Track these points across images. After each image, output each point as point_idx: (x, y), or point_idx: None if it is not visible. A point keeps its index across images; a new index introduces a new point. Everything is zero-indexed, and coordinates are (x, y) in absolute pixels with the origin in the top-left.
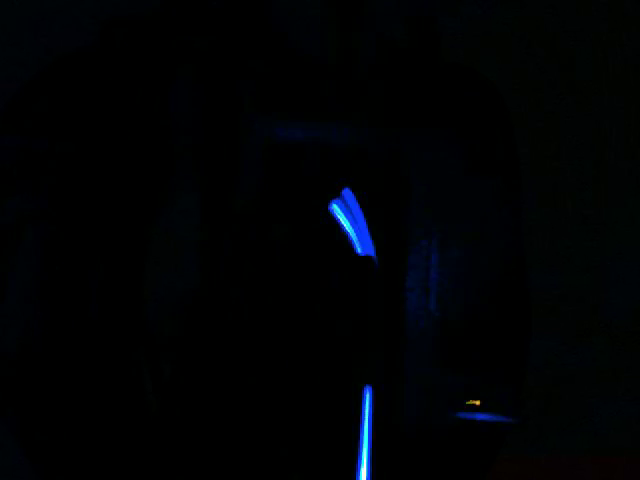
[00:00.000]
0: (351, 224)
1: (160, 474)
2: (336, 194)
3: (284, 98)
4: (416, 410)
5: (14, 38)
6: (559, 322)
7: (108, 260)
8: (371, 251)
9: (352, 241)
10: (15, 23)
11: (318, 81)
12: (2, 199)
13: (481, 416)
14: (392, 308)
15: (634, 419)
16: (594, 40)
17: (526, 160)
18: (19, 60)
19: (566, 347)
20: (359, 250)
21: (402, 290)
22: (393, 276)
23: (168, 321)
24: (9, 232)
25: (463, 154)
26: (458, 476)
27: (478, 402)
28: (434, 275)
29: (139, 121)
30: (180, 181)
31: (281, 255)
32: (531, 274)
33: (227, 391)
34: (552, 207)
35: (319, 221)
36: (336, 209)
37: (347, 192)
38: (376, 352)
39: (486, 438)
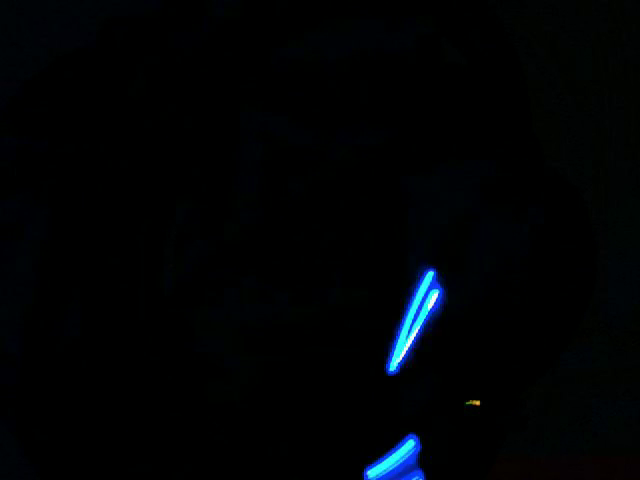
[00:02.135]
0: None
1: (160, 474)
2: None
3: (287, 98)
4: (415, 409)
5: (14, 38)
6: None
7: (107, 262)
8: None
9: None
10: (15, 23)
11: (326, 83)
12: (2, 199)
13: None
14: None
15: (634, 419)
16: (594, 40)
17: None
18: (19, 60)
19: None
20: None
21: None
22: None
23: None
24: (9, 232)
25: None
26: (458, 476)
27: (478, 402)
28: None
29: (139, 121)
30: (181, 182)
31: (282, 257)
32: None
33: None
34: None
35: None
36: None
37: None
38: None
39: (486, 438)
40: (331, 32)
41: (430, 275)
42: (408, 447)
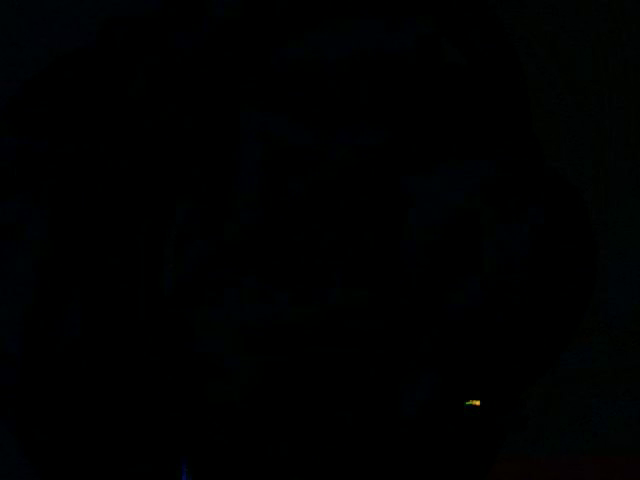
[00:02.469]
0: None
1: (160, 474)
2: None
3: (287, 98)
4: (415, 409)
5: (14, 38)
6: None
7: (107, 262)
8: None
9: None
10: (15, 23)
11: (326, 84)
12: (2, 199)
13: None
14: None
15: (634, 419)
16: (594, 40)
17: None
18: (19, 60)
19: None
20: None
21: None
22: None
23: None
24: (9, 232)
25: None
26: (458, 475)
27: (478, 402)
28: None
29: (139, 121)
30: (181, 182)
31: (282, 257)
32: None
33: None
34: None
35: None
36: None
37: None
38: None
39: (486, 437)
40: (331, 32)
41: None
42: None
